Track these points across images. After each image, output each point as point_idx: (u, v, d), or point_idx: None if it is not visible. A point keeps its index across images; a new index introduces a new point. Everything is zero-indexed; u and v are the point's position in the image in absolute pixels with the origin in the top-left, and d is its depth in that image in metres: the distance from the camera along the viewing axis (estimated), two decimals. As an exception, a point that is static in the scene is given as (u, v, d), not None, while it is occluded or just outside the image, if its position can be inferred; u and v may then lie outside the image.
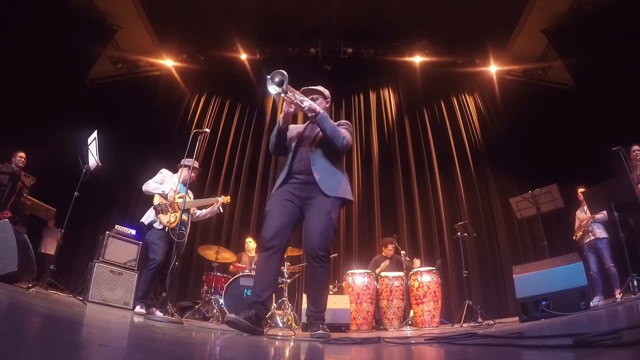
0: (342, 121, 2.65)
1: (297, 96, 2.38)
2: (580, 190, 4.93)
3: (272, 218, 2.38)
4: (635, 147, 4.21)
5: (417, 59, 7.76)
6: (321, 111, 2.43)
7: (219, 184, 7.24)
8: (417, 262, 5.47)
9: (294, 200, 2.41)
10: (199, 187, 6.81)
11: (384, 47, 7.78)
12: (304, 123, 2.77)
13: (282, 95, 2.28)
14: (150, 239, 3.62)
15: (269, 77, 2.26)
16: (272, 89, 2.26)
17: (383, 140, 7.68)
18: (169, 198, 3.69)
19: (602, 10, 5.90)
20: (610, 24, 5.75)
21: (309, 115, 2.43)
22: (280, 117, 2.48)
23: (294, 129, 2.63)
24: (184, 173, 3.88)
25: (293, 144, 2.55)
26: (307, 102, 2.40)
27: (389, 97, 8.12)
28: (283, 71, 2.23)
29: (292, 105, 2.41)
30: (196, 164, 3.85)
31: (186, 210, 3.29)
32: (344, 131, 2.48)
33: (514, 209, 4.83)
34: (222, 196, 4.03)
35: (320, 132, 2.50)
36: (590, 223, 4.66)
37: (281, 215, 2.36)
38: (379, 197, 7.11)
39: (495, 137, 7.51)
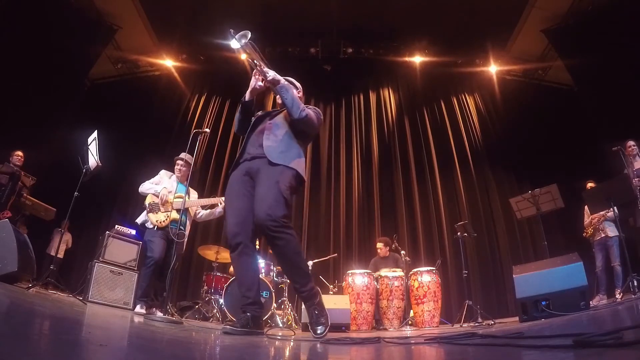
0: (312, 106, 2.53)
1: (261, 63, 2.29)
2: (589, 185, 4.89)
3: (229, 212, 2.23)
4: (631, 143, 4.22)
5: (417, 59, 7.76)
6: (284, 82, 2.33)
7: (219, 184, 7.24)
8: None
9: (247, 182, 2.24)
10: (199, 187, 6.81)
11: (384, 47, 7.78)
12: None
13: (243, 49, 2.18)
14: (147, 237, 3.66)
15: (232, 31, 2.16)
16: (233, 43, 2.17)
17: (383, 140, 7.68)
18: (160, 196, 3.70)
19: (602, 10, 5.90)
20: (610, 24, 5.75)
21: (272, 85, 2.32)
22: (247, 92, 2.39)
23: (257, 115, 2.53)
24: (175, 169, 3.94)
25: (251, 125, 2.44)
26: (271, 73, 2.31)
27: (389, 97, 8.12)
28: (249, 32, 2.16)
29: (259, 79, 2.33)
30: (188, 158, 3.86)
31: (184, 210, 3.28)
32: (308, 109, 2.34)
33: (514, 209, 4.83)
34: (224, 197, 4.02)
35: (282, 112, 2.41)
36: (602, 221, 4.63)
37: (237, 207, 2.20)
38: (379, 197, 7.11)
39: (495, 137, 7.51)
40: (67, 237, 6.27)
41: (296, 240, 2.10)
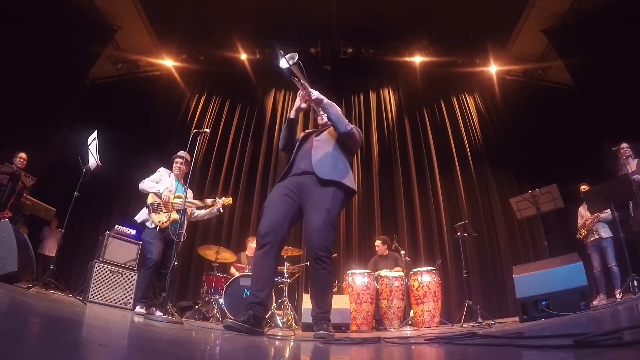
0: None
1: (306, 84, 2.44)
2: (583, 187, 4.93)
3: (266, 213, 2.34)
4: (624, 145, 4.23)
5: (417, 59, 7.76)
6: (327, 100, 2.50)
7: (219, 184, 7.24)
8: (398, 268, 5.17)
9: (292, 195, 2.36)
10: (199, 187, 6.82)
11: (384, 47, 7.78)
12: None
13: (290, 70, 2.33)
14: (146, 238, 3.65)
15: (281, 51, 2.30)
16: (282, 62, 2.31)
17: (383, 140, 7.68)
18: (163, 197, 3.70)
19: (602, 10, 5.90)
20: (610, 24, 5.75)
21: (316, 104, 2.50)
22: (292, 110, 2.57)
23: (303, 133, 2.72)
24: (174, 167, 3.95)
25: (298, 142, 2.61)
26: (315, 93, 2.46)
27: (389, 97, 8.12)
28: (296, 54, 2.31)
29: (304, 100, 2.50)
30: (187, 156, 3.87)
31: (183, 211, 3.29)
32: (351, 125, 2.53)
33: (514, 209, 4.83)
34: (223, 197, 4.02)
35: (326, 130, 2.58)
36: (595, 222, 4.66)
37: (276, 210, 2.31)
38: (379, 197, 7.11)
39: (495, 137, 7.51)
40: (58, 235, 6.25)
41: (333, 271, 2.34)
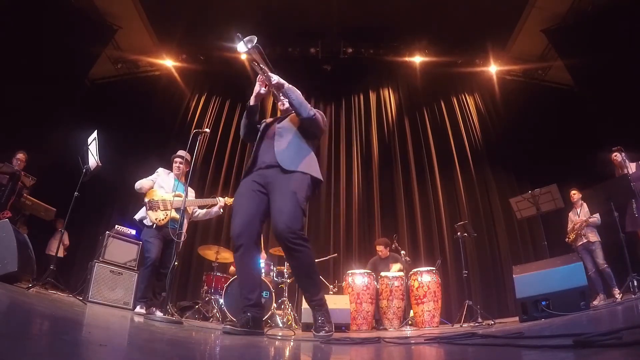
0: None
1: (266, 68, 2.31)
2: (573, 192, 5.03)
3: (236, 214, 2.25)
4: (615, 153, 4.27)
5: (417, 59, 7.76)
6: (288, 85, 2.36)
7: (219, 183, 7.24)
8: (396, 266, 5.16)
9: (258, 189, 2.27)
10: (199, 187, 6.82)
11: (384, 47, 7.78)
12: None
13: (248, 53, 2.22)
14: (144, 237, 3.66)
15: (239, 34, 2.19)
16: (240, 46, 2.20)
17: (383, 140, 7.68)
18: (161, 195, 3.70)
19: (602, 11, 5.90)
20: (610, 24, 5.75)
21: (276, 89, 2.36)
22: (251, 97, 2.42)
23: (264, 122, 2.57)
24: (174, 167, 3.96)
25: (260, 132, 2.47)
26: (275, 77, 2.34)
27: (389, 97, 8.12)
28: (255, 37, 2.20)
29: (264, 85, 2.37)
30: (186, 155, 3.87)
31: (183, 210, 3.28)
32: (314, 110, 2.40)
33: (514, 209, 4.84)
34: (226, 197, 4.01)
35: (288, 116, 2.46)
36: (584, 226, 4.72)
37: (245, 209, 2.23)
38: (379, 197, 7.11)
39: (495, 137, 7.51)
40: (65, 235, 6.27)
41: (311, 252, 2.17)
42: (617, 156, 4.26)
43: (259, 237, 2.27)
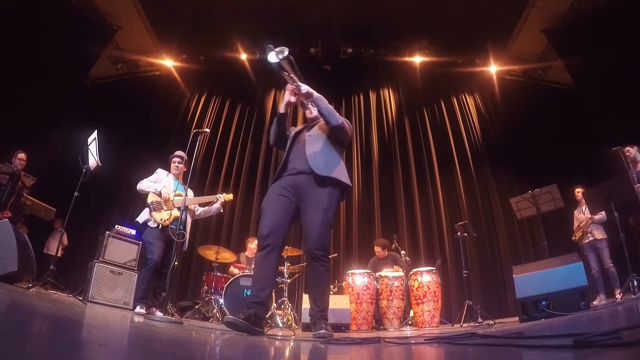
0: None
1: (295, 77, 2.41)
2: (577, 190, 5.01)
3: (266, 215, 2.34)
4: (628, 147, 4.24)
5: (417, 59, 7.76)
6: (317, 94, 2.47)
7: (219, 183, 7.24)
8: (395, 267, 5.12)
9: (288, 195, 2.37)
10: (199, 186, 6.82)
11: (384, 47, 7.78)
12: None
13: (279, 64, 2.29)
14: (147, 238, 3.64)
15: (270, 45, 2.27)
16: (271, 57, 2.27)
17: (383, 140, 7.68)
18: (163, 195, 3.70)
19: (602, 11, 5.90)
20: (610, 24, 5.75)
21: (305, 98, 2.48)
22: (281, 105, 2.54)
23: (294, 130, 2.68)
24: (172, 167, 3.96)
25: (290, 140, 2.58)
26: (305, 87, 2.44)
27: (389, 97, 8.12)
28: (286, 48, 2.28)
29: (294, 95, 2.47)
30: (183, 155, 3.87)
31: (185, 209, 3.28)
32: (342, 118, 2.52)
33: (514, 209, 4.83)
34: (224, 194, 4.02)
35: (317, 124, 2.56)
36: (590, 224, 4.70)
37: (275, 211, 2.33)
38: (379, 197, 7.11)
39: (495, 137, 7.51)
40: (64, 235, 6.26)
41: (330, 269, 2.38)
42: (630, 151, 4.22)
43: (284, 242, 2.38)
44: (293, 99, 2.51)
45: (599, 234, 4.65)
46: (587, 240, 4.76)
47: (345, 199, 2.54)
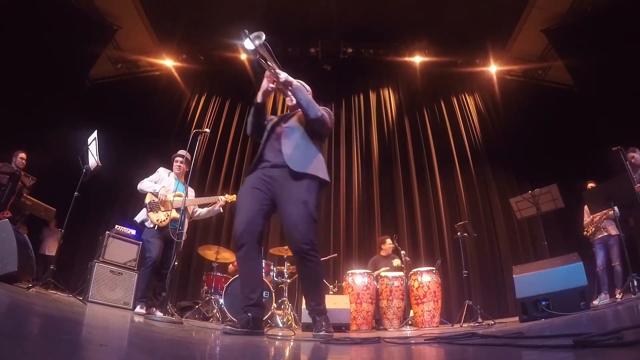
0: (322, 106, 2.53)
1: (274, 65, 2.27)
2: (591, 185, 4.90)
3: (239, 212, 2.24)
4: (632, 154, 4.22)
5: (417, 59, 7.76)
6: (297, 84, 2.34)
7: (219, 183, 7.24)
8: (396, 261, 5.16)
9: (262, 187, 2.25)
10: (199, 186, 6.81)
11: (384, 47, 7.78)
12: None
13: (256, 51, 2.16)
14: (145, 237, 3.66)
15: (246, 31, 2.14)
16: (247, 43, 2.14)
17: (383, 140, 7.67)
18: (160, 196, 3.70)
19: (602, 11, 5.90)
20: (610, 24, 5.75)
21: (284, 87, 2.32)
22: (258, 93, 2.38)
23: (271, 120, 2.54)
24: (174, 166, 3.95)
25: (267, 131, 2.45)
26: (283, 74, 2.30)
27: (389, 97, 8.12)
28: (263, 33, 2.15)
29: (271, 81, 2.34)
30: (187, 155, 3.86)
31: (183, 210, 3.28)
32: (321, 108, 2.37)
33: (514, 209, 4.83)
34: (227, 195, 3.99)
35: (295, 115, 2.44)
36: (604, 219, 4.63)
37: (248, 207, 2.22)
38: (379, 197, 7.11)
39: (495, 137, 7.51)
40: (58, 234, 6.25)
41: (321, 262, 2.22)
42: (635, 157, 4.15)
43: (261, 237, 2.25)
44: (271, 87, 2.36)
45: (613, 229, 4.53)
46: (600, 236, 4.65)
47: (322, 194, 2.41)
